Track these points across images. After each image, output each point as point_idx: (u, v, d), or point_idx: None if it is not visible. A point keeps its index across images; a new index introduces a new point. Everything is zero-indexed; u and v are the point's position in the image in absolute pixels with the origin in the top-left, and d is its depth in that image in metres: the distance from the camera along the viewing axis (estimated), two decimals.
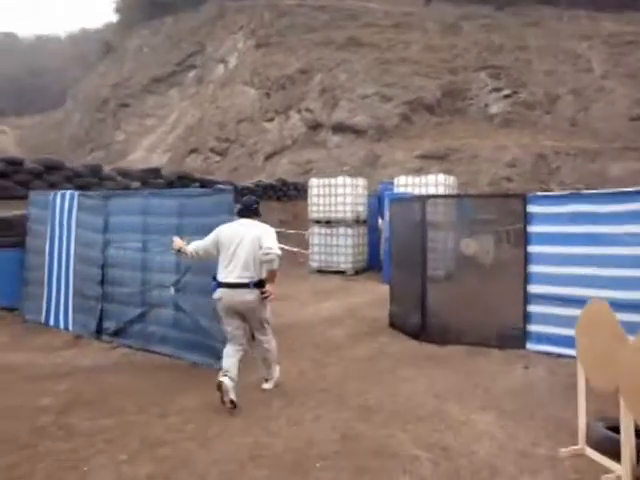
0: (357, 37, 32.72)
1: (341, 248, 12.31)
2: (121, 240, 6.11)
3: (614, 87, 28.57)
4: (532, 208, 5.71)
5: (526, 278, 5.71)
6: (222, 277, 4.23)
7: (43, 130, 49.39)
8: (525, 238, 5.73)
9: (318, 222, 12.71)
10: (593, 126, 26.85)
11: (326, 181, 12.78)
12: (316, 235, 12.72)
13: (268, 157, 29.73)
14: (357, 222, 12.59)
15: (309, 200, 12.98)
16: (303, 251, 13.06)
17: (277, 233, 4.40)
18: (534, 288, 5.67)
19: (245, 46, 36.67)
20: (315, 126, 29.09)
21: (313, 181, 13.16)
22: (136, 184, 12.88)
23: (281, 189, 18.71)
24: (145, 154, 36.23)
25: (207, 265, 4.69)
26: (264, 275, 4.23)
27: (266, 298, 4.21)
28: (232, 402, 3.99)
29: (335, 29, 33.91)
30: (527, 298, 5.71)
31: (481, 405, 4.15)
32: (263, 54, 34.40)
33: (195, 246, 4.43)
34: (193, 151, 33.23)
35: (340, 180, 12.60)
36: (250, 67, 34.39)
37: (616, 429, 3.06)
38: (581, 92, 28.57)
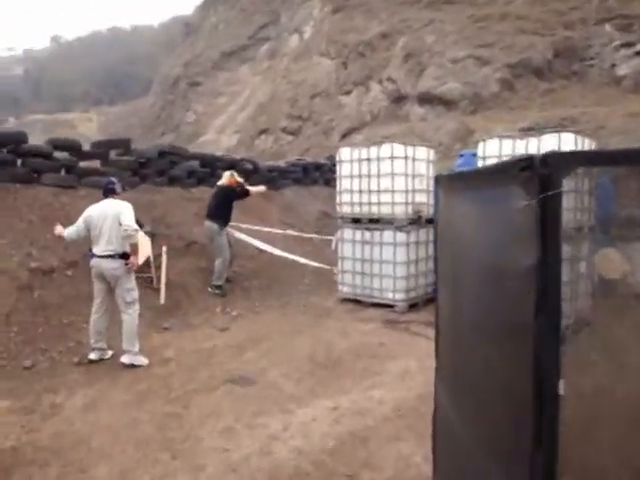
0: None
1: (387, 265, 7.33)
2: None
3: None
4: None
5: None
6: (95, 251, 5.15)
7: (126, 116, 49.37)
8: None
9: (356, 221, 7.73)
10: None
11: (364, 153, 7.60)
12: (348, 243, 7.78)
13: (345, 135, 26.17)
14: (416, 222, 7.46)
15: (337, 185, 8.02)
16: (325, 266, 8.35)
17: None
18: None
19: (322, 13, 33.02)
20: (398, 98, 25.00)
21: (344, 152, 7.92)
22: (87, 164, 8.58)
23: (331, 169, 12.62)
24: (216, 136, 34.13)
25: None
26: (127, 248, 5.22)
27: (128, 267, 5.14)
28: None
29: None
30: None
31: None
32: (341, 19, 30.59)
33: (69, 232, 5.29)
34: (263, 132, 30.46)
35: (385, 150, 7.28)
36: (326, 35, 30.78)
37: None
38: None
